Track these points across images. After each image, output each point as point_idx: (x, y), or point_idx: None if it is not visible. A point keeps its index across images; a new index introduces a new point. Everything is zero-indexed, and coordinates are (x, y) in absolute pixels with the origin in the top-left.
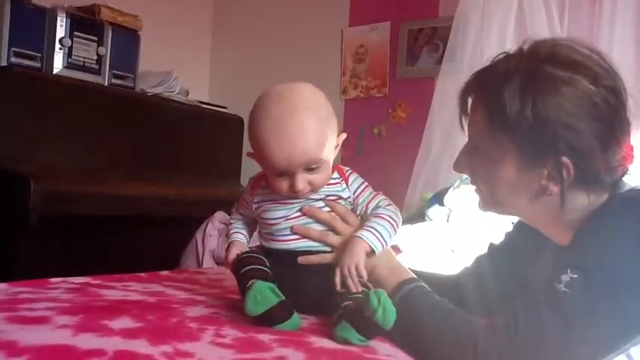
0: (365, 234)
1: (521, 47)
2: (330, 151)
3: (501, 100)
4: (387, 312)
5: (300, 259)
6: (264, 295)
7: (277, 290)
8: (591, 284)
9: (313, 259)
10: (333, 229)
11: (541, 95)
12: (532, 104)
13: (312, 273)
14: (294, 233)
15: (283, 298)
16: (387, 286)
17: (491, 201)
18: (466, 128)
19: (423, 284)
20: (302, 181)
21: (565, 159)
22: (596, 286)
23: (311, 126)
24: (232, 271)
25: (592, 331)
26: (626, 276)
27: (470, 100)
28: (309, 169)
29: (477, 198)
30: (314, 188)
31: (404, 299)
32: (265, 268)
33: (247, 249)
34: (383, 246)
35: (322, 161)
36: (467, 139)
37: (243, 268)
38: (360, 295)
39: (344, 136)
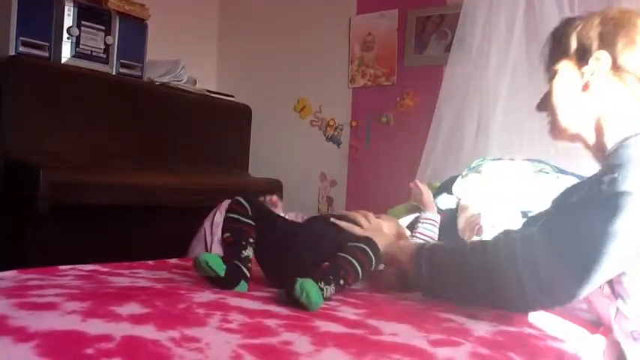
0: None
1: None
2: None
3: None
4: (309, 296)
5: (334, 220)
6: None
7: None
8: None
9: (344, 224)
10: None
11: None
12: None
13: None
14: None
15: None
16: (407, 253)
17: (554, 122)
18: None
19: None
20: None
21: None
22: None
23: None
24: None
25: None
26: None
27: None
28: None
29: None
30: None
31: (427, 259)
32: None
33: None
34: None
35: None
36: (474, 126)
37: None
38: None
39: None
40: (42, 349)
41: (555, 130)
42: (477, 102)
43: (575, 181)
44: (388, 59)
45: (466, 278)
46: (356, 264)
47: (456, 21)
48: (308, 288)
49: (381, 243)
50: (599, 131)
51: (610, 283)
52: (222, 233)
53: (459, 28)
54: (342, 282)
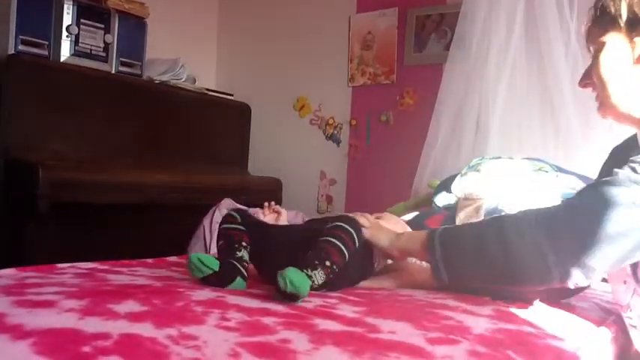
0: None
1: None
2: None
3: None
4: (293, 282)
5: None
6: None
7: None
8: None
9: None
10: None
11: None
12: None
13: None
14: None
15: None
16: (418, 241)
17: (604, 97)
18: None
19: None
20: None
21: None
22: None
23: None
24: None
25: None
26: None
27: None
28: None
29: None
30: None
31: (440, 241)
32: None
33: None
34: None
35: None
36: (474, 125)
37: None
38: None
39: None
40: (39, 346)
41: (605, 106)
42: (477, 101)
43: (575, 180)
44: (388, 58)
45: (483, 253)
46: (337, 242)
47: (456, 20)
48: (290, 276)
49: (386, 238)
50: None
51: (633, 266)
52: (217, 242)
53: (458, 27)
54: (328, 263)
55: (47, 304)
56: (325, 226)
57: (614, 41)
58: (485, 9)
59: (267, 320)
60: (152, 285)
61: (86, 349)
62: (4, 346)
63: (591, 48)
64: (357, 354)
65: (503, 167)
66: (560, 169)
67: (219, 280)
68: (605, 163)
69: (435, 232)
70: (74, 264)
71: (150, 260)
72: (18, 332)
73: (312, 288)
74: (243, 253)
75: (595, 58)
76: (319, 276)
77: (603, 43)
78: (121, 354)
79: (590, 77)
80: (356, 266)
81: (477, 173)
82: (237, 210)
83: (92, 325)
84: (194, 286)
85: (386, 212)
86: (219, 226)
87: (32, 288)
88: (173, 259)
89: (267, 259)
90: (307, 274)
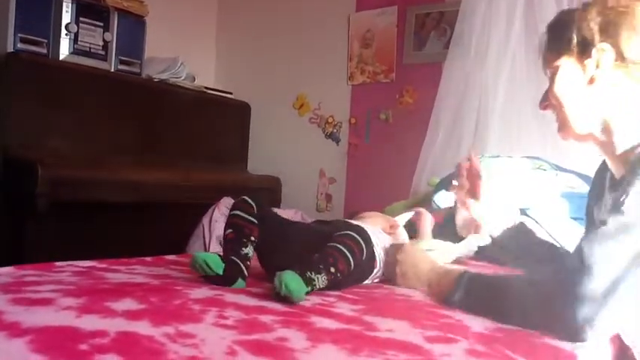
0: None
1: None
2: None
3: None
4: (288, 286)
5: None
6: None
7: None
8: None
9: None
10: None
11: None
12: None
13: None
14: None
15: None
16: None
17: (563, 120)
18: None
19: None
20: None
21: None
22: None
23: None
24: None
25: None
26: None
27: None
28: None
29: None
30: None
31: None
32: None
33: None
34: None
35: None
36: (473, 123)
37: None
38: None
39: None
40: (36, 344)
41: (564, 128)
42: (476, 99)
43: (574, 178)
44: (387, 56)
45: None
46: (345, 251)
47: (456, 18)
48: (286, 280)
49: (419, 282)
50: (608, 129)
51: None
52: (225, 229)
53: (457, 25)
54: (332, 270)
55: (45, 302)
56: (336, 233)
57: (567, 64)
58: (484, 7)
59: (265, 318)
60: (150, 283)
61: (83, 346)
62: (1, 343)
63: (547, 72)
64: (355, 352)
65: (502, 166)
66: (559, 168)
67: (222, 280)
68: (595, 177)
69: (466, 272)
70: (72, 262)
71: (148, 258)
72: (15, 330)
73: (312, 290)
74: (249, 250)
75: (551, 81)
76: (321, 280)
77: (557, 67)
78: (118, 352)
79: (549, 99)
80: (357, 269)
81: None
82: (254, 198)
83: (89, 322)
84: (192, 285)
85: (366, 212)
86: (231, 210)
87: (30, 286)
88: (171, 257)
89: (276, 255)
90: (310, 277)
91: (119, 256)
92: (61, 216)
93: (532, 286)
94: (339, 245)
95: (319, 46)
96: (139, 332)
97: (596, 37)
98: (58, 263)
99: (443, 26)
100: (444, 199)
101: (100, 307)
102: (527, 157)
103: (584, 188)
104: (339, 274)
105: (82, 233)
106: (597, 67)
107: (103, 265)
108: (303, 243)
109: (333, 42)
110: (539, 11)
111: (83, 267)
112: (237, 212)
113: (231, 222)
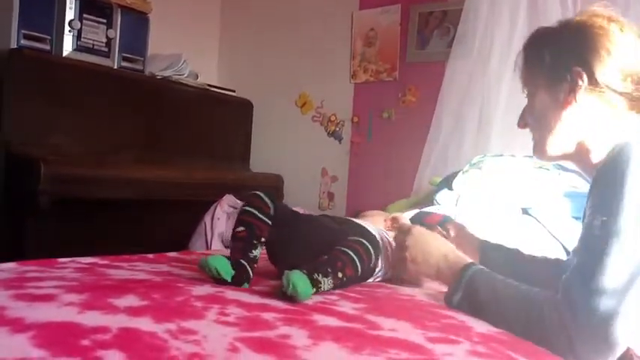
0: None
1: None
2: None
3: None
4: (296, 287)
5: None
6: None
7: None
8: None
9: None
10: None
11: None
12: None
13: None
14: None
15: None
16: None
17: (540, 140)
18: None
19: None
20: None
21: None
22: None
23: None
24: None
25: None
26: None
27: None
28: None
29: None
30: None
31: (468, 285)
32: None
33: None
34: None
35: None
36: (476, 122)
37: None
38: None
39: None
40: (38, 340)
41: (539, 147)
42: (479, 98)
43: (577, 178)
44: (390, 55)
45: (503, 318)
46: (354, 257)
47: (459, 16)
48: (294, 279)
49: (429, 270)
50: (584, 151)
51: None
52: (236, 226)
53: (461, 24)
54: (340, 275)
55: (47, 298)
56: (347, 237)
57: (542, 86)
58: (487, 6)
59: (267, 316)
60: (152, 280)
61: (85, 342)
62: (3, 339)
63: (524, 90)
64: (357, 350)
65: (505, 165)
66: (562, 167)
67: (230, 284)
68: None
69: (468, 270)
70: (74, 259)
71: (150, 255)
72: (17, 325)
73: (316, 292)
74: (258, 252)
75: (528, 101)
76: (327, 283)
77: (534, 87)
78: (120, 348)
79: (525, 119)
80: (362, 274)
81: (478, 171)
82: (269, 195)
83: (91, 318)
84: (194, 281)
85: (367, 211)
86: (244, 206)
87: (32, 282)
88: (173, 254)
89: (291, 251)
90: (317, 279)
91: (121, 253)
92: (63, 213)
93: (534, 311)
94: (349, 251)
95: (322, 44)
96: (140, 328)
97: (569, 60)
98: (60, 259)
99: (446, 25)
100: (445, 197)
101: (102, 304)
102: (530, 156)
103: (587, 188)
104: (345, 279)
105: (84, 230)
106: (571, 91)
107: (105, 262)
108: (319, 244)
109: (335, 40)
110: (543, 12)
111: (85, 263)
112: (251, 209)
113: (243, 219)
